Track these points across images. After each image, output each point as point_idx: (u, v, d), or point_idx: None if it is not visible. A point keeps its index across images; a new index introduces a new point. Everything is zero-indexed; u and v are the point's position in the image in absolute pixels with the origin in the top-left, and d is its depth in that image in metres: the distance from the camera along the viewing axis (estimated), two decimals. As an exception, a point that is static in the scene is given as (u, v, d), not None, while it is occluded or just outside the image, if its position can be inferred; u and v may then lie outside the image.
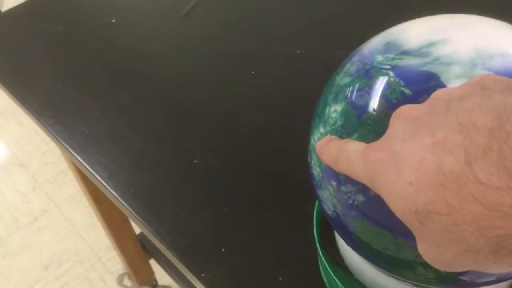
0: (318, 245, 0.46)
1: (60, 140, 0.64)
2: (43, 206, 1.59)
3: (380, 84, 0.31)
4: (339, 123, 0.33)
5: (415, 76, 0.30)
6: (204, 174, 0.59)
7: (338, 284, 0.44)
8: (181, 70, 0.71)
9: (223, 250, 0.52)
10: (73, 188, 1.58)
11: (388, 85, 0.31)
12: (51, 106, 0.68)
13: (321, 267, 0.49)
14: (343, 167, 0.29)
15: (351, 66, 0.35)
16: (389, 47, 0.33)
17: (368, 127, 0.31)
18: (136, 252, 1.16)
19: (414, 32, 0.33)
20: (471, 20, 0.33)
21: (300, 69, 0.70)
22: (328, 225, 0.45)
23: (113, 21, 0.79)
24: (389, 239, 0.32)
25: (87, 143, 0.63)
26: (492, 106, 0.22)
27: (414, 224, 0.24)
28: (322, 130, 0.34)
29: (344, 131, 0.32)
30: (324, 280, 0.49)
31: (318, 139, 0.34)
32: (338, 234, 0.38)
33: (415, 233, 0.25)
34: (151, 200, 0.57)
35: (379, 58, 0.32)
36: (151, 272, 1.27)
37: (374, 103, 0.31)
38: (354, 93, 0.32)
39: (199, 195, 0.57)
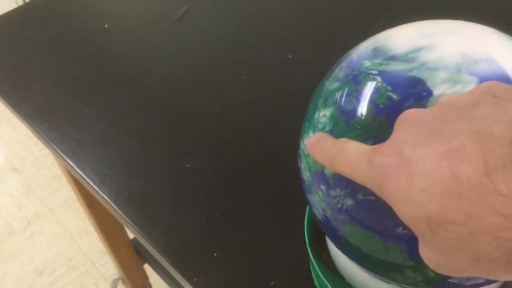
0: (309, 249, 0.46)
1: (53, 146, 0.64)
2: (36, 211, 1.59)
3: (368, 89, 0.32)
4: (328, 128, 0.33)
5: (402, 82, 0.30)
6: (197, 179, 0.59)
7: (329, 288, 0.44)
8: (174, 75, 0.72)
9: (216, 254, 0.52)
10: (66, 193, 1.58)
11: (376, 90, 0.31)
12: (44, 112, 0.68)
13: (312, 271, 0.49)
14: (341, 167, 0.28)
15: (340, 71, 0.35)
16: (376, 52, 0.33)
17: (356, 131, 0.31)
18: (130, 257, 1.16)
19: (401, 38, 0.33)
20: (457, 25, 0.33)
21: (292, 74, 0.71)
22: (319, 230, 0.45)
23: (106, 26, 0.79)
24: (378, 242, 0.32)
25: (80, 148, 0.63)
26: (509, 117, 0.21)
27: (423, 231, 0.23)
28: (311, 134, 0.34)
29: (332, 136, 0.32)
30: (316, 284, 0.49)
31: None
32: (329, 238, 0.38)
33: (421, 239, 0.24)
34: (143, 205, 0.57)
35: (367, 63, 0.33)
36: (145, 277, 1.26)
37: (362, 108, 0.31)
38: (343, 98, 0.33)
39: (191, 199, 0.57)
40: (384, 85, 0.31)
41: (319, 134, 0.32)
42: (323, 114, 0.34)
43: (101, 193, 0.58)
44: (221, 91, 0.69)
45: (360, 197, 0.31)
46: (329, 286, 0.44)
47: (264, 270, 0.51)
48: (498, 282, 0.42)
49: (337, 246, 0.37)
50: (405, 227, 0.28)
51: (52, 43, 0.77)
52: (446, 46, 0.31)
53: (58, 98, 0.69)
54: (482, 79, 0.29)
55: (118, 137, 0.64)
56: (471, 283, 0.33)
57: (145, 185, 0.59)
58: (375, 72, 0.32)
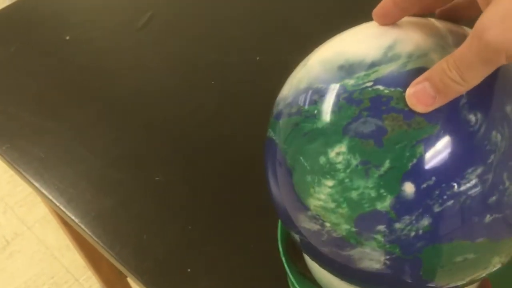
0: (283, 259, 0.45)
1: (16, 167, 0.62)
2: (15, 229, 1.55)
3: (377, 102, 0.29)
4: (355, 162, 0.28)
5: (407, 77, 0.28)
6: (167, 192, 0.57)
7: (306, 299, 0.42)
8: (139, 85, 0.69)
9: (189, 270, 0.50)
10: (44, 209, 1.54)
11: (388, 98, 0.28)
12: (5, 131, 0.65)
13: (289, 282, 0.48)
14: (466, 74, 0.26)
15: (314, 106, 0.31)
16: (349, 69, 0.30)
17: (397, 145, 0.28)
18: (111, 271, 1.13)
19: (360, 47, 0.31)
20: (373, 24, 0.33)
21: (261, 76, 0.69)
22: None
23: (67, 38, 0.77)
24: (467, 246, 0.29)
25: (44, 168, 0.61)
26: None
27: None
28: (330, 182, 0.29)
29: (369, 165, 0.28)
30: (293, 294, 0.48)
31: (329, 194, 0.29)
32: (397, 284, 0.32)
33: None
34: (112, 223, 0.55)
35: (350, 82, 0.30)
36: (129, 291, 1.24)
37: (386, 121, 0.28)
38: (353, 124, 0.29)
39: (162, 214, 0.55)
40: (392, 89, 0.29)
41: (413, 87, 0.28)
42: (336, 153, 0.29)
43: (68, 213, 0.56)
44: (188, 98, 0.67)
45: (437, 208, 0.28)
46: (305, 296, 0.42)
47: (240, 283, 0.49)
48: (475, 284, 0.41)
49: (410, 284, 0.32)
50: (493, 211, 0.27)
51: (11, 59, 0.75)
52: (406, 36, 0.30)
53: (19, 116, 0.67)
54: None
55: (83, 154, 0.61)
56: (448, 286, 0.32)
57: (114, 202, 0.57)
58: (369, 83, 0.29)
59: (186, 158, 0.60)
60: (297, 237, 0.34)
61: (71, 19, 0.80)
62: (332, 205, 0.30)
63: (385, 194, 0.28)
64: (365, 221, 0.29)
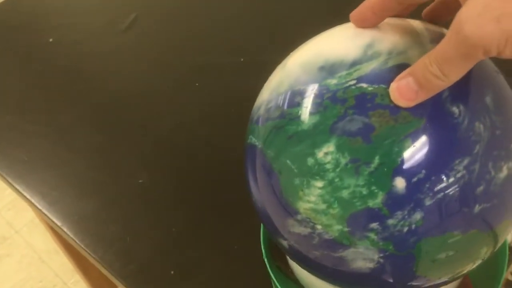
0: (266, 260, 0.45)
1: (-2, 170, 0.61)
2: (3, 233, 1.54)
3: (363, 99, 0.29)
4: (344, 160, 0.28)
5: (389, 74, 0.29)
6: (151, 194, 0.57)
7: (288, 299, 0.42)
8: (123, 87, 0.69)
9: (173, 272, 0.50)
10: (32, 213, 1.53)
11: (373, 95, 0.29)
12: (-13, 135, 0.65)
13: (272, 282, 0.48)
14: (447, 68, 0.26)
15: (297, 108, 0.30)
16: (329, 69, 0.30)
17: (386, 141, 0.28)
18: (100, 275, 1.12)
19: (338, 47, 0.31)
20: (346, 27, 0.33)
21: (245, 78, 0.69)
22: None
23: (51, 40, 0.76)
24: (458, 237, 0.29)
25: (27, 171, 0.60)
26: None
27: None
28: (319, 183, 0.29)
29: (359, 163, 0.28)
30: (277, 294, 0.48)
31: (319, 195, 0.29)
32: (388, 282, 0.32)
33: None
34: (95, 226, 0.55)
35: (332, 81, 0.30)
36: (118, 293, 1.23)
37: (373, 118, 0.28)
38: (339, 123, 0.29)
39: (145, 216, 0.55)
40: (376, 86, 0.29)
41: (397, 82, 0.28)
42: (324, 153, 0.29)
43: (50, 216, 0.56)
44: (172, 100, 0.67)
45: (428, 202, 0.28)
46: (288, 297, 0.42)
47: (224, 283, 0.49)
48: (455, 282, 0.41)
49: (399, 280, 0.32)
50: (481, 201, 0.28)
51: (-6, 62, 0.74)
52: (382, 35, 0.31)
53: (1, 119, 0.66)
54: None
55: (66, 157, 0.61)
56: (430, 284, 0.32)
57: (97, 205, 0.56)
58: (353, 82, 0.29)
59: (170, 160, 0.60)
60: (285, 243, 0.34)
61: (55, 21, 0.80)
62: (322, 206, 0.29)
63: (376, 191, 0.28)
64: (358, 220, 0.29)
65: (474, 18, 0.24)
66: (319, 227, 0.30)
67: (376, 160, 0.28)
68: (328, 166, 0.29)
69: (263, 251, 0.45)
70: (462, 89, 0.29)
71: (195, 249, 0.52)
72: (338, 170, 0.28)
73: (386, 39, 0.30)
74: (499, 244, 0.32)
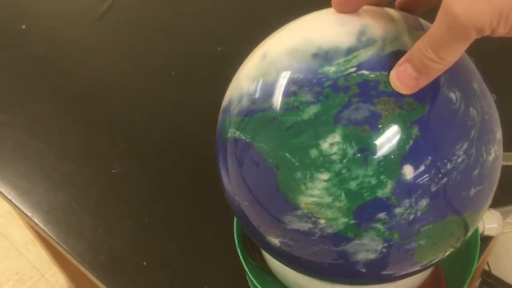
0: (239, 250, 0.44)
1: (-33, 160, 0.59)
2: (-22, 225, 1.51)
3: (366, 87, 0.28)
4: (352, 150, 0.27)
5: (388, 60, 0.28)
6: (124, 185, 0.56)
7: (260, 290, 0.42)
8: (97, 75, 0.68)
9: (145, 263, 0.49)
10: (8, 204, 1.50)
11: (376, 82, 0.28)
12: (-44, 123, 0.63)
13: (246, 272, 0.48)
14: (442, 51, 0.26)
15: (293, 98, 0.29)
16: (323, 56, 0.29)
17: (392, 126, 0.27)
18: (76, 267, 1.11)
19: (328, 34, 0.30)
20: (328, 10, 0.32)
21: (223, 67, 0.68)
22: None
23: (24, 27, 0.75)
24: (455, 222, 0.29)
25: (-4, 160, 0.59)
26: None
27: None
28: (325, 176, 0.28)
29: (367, 152, 0.27)
30: (250, 286, 0.48)
31: (325, 188, 0.28)
32: (389, 272, 0.31)
33: None
34: (66, 217, 0.54)
35: (331, 69, 0.28)
36: (96, 286, 1.22)
37: (378, 105, 0.27)
38: (344, 112, 0.27)
39: (118, 207, 0.54)
40: (377, 73, 0.28)
41: (396, 69, 0.28)
42: (329, 144, 0.27)
43: (20, 207, 0.54)
44: (148, 89, 0.66)
45: (433, 188, 0.28)
46: (259, 287, 0.42)
47: (196, 275, 0.49)
48: (427, 271, 0.41)
49: (401, 271, 0.32)
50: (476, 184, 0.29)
51: (-36, 49, 0.72)
52: (371, 21, 0.30)
53: (-29, 108, 0.64)
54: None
55: (37, 147, 0.60)
56: (403, 273, 0.32)
57: (68, 196, 0.55)
58: (353, 69, 0.28)
59: (144, 150, 0.59)
60: (276, 241, 0.32)
61: (28, 7, 0.78)
62: (328, 199, 0.28)
63: (385, 180, 0.27)
64: (365, 211, 0.28)
65: None
66: (322, 221, 0.29)
67: (385, 148, 0.27)
68: (334, 157, 0.27)
69: (236, 242, 0.44)
70: (454, 76, 0.29)
71: (168, 240, 0.51)
72: (345, 161, 0.27)
73: (377, 26, 0.30)
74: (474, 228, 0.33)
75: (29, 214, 0.54)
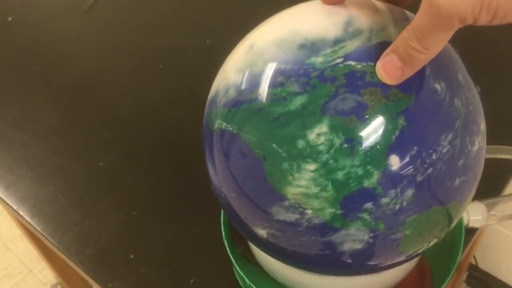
0: (226, 242, 0.44)
1: (-49, 152, 0.59)
2: (-35, 220, 1.50)
3: (352, 78, 0.28)
4: (339, 141, 0.27)
5: (375, 51, 0.28)
6: (111, 177, 0.56)
7: (247, 282, 0.42)
8: (84, 68, 0.67)
9: (132, 256, 0.49)
10: (-4, 199, 1.49)
11: (362, 73, 0.28)
12: None
13: (232, 265, 0.48)
14: (426, 41, 0.26)
15: (280, 89, 0.29)
16: (310, 47, 0.29)
17: (380, 116, 0.27)
18: (64, 262, 1.11)
19: (315, 25, 0.30)
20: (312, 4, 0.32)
21: (211, 60, 0.68)
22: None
23: (10, 19, 0.74)
24: (440, 212, 0.30)
25: (-18, 153, 0.58)
26: None
27: None
28: (312, 166, 0.28)
29: (354, 143, 0.27)
30: (237, 277, 0.48)
31: (312, 179, 0.28)
32: (374, 262, 0.32)
33: None
34: (52, 210, 0.53)
35: (318, 59, 0.29)
36: (84, 280, 1.22)
37: (366, 96, 0.28)
38: (331, 102, 0.28)
39: (105, 200, 0.54)
40: (364, 63, 0.28)
41: (381, 60, 0.28)
42: (316, 135, 0.28)
43: (5, 200, 0.54)
44: (135, 82, 0.65)
45: (419, 178, 0.28)
46: (246, 279, 0.42)
47: (184, 268, 0.49)
48: (411, 262, 0.41)
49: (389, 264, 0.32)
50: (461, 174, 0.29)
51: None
52: (356, 12, 0.30)
53: (-44, 101, 0.64)
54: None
55: (24, 139, 0.59)
56: (388, 263, 0.33)
57: (54, 188, 0.55)
58: (340, 60, 0.28)
59: (132, 143, 0.59)
60: (263, 233, 0.32)
61: (14, -1, 0.77)
62: (315, 190, 0.28)
63: (372, 170, 0.28)
64: (352, 201, 0.28)
65: None
66: (309, 211, 0.29)
67: (371, 139, 0.27)
68: (321, 147, 0.28)
69: (223, 234, 0.44)
70: (439, 67, 0.29)
71: (155, 233, 0.51)
72: (332, 151, 0.27)
73: (363, 17, 0.30)
74: (458, 219, 0.33)
75: (15, 207, 0.53)
